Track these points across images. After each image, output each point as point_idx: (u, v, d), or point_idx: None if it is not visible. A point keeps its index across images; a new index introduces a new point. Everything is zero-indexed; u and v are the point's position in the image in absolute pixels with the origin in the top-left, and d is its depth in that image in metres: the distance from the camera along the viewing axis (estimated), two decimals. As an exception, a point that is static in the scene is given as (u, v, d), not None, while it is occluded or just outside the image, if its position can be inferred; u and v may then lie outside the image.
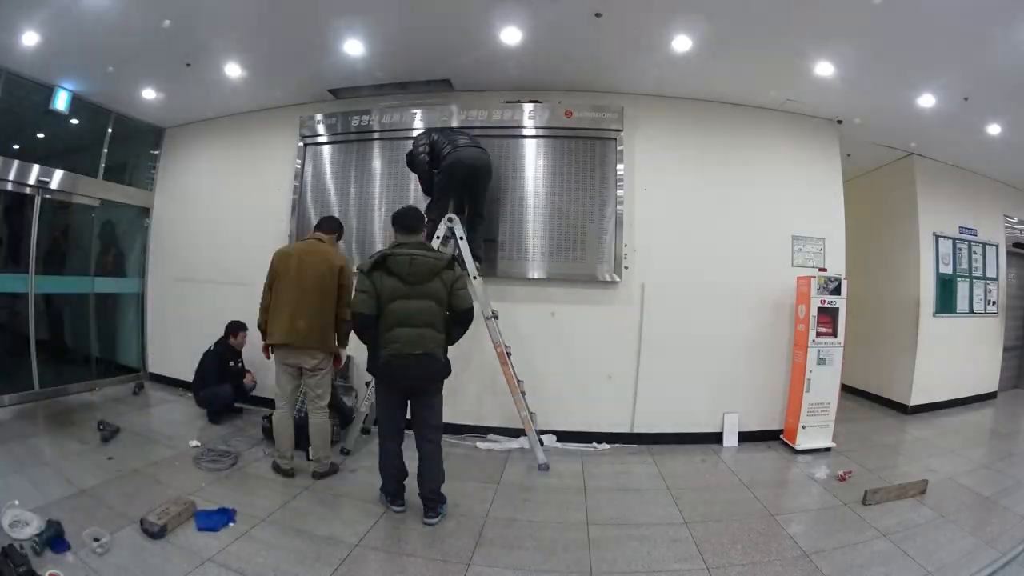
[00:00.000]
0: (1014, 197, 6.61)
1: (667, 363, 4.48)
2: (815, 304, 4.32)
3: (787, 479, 3.94)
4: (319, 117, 4.93)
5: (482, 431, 4.42)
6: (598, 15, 3.49)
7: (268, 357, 3.51)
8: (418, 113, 4.70)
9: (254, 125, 5.35)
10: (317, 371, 3.44)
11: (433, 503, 2.94)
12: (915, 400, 5.62)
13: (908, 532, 2.90)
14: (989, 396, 6.31)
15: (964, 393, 6.01)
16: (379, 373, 2.87)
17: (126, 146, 5.72)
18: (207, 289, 5.42)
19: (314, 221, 4.94)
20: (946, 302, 5.87)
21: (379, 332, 2.80)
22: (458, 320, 2.92)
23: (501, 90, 4.59)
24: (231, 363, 4.78)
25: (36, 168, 4.85)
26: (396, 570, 2.49)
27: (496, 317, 4.03)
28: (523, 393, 3.98)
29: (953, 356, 5.82)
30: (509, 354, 3.99)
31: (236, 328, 4.80)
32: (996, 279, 6.44)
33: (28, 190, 4.85)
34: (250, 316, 5.10)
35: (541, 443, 3.98)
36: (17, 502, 2.58)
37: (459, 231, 4.08)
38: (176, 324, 5.66)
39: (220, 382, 4.64)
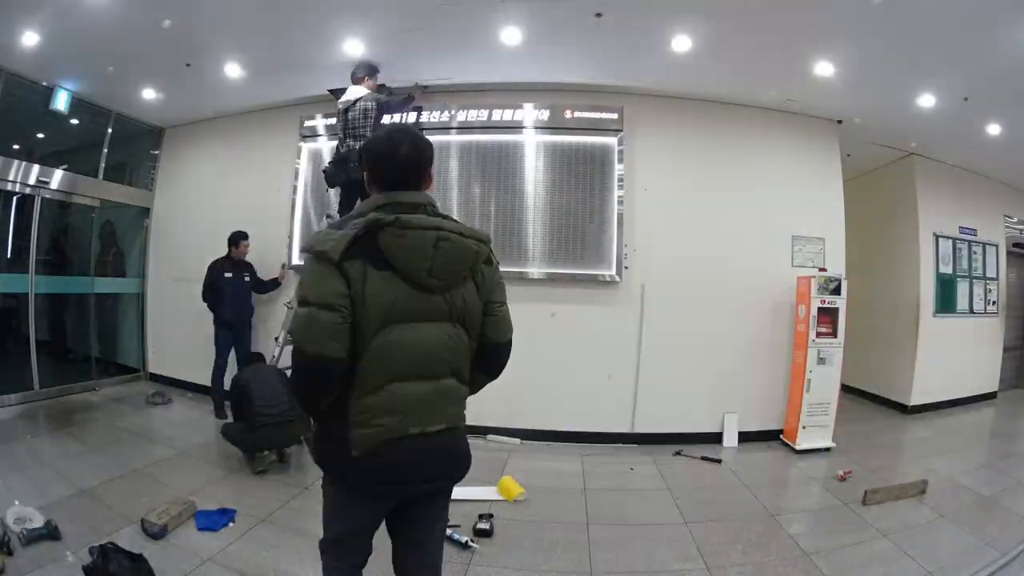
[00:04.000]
0: (1014, 197, 6.61)
1: (667, 363, 4.48)
2: (815, 304, 4.32)
3: (787, 479, 3.94)
4: (319, 117, 4.93)
5: (481, 431, 4.41)
6: (598, 15, 3.48)
7: None
8: (417, 113, 4.70)
9: (254, 125, 5.34)
10: None
11: None
12: (915, 400, 5.62)
13: (908, 532, 2.90)
14: (989, 396, 6.30)
15: (964, 393, 6.00)
16: (351, 472, 1.38)
17: (126, 146, 5.72)
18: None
19: (314, 221, 5.00)
20: (946, 302, 5.87)
21: (354, 391, 1.32)
22: (490, 360, 1.55)
23: (501, 90, 4.59)
24: (229, 274, 4.61)
25: (36, 168, 4.85)
26: (396, 570, 2.49)
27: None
28: None
29: (953, 356, 5.80)
30: None
31: (236, 238, 4.61)
32: (996, 279, 6.44)
33: (28, 190, 4.85)
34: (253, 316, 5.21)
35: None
36: (17, 502, 2.59)
37: None
38: (176, 324, 5.65)
39: (218, 318, 4.32)
